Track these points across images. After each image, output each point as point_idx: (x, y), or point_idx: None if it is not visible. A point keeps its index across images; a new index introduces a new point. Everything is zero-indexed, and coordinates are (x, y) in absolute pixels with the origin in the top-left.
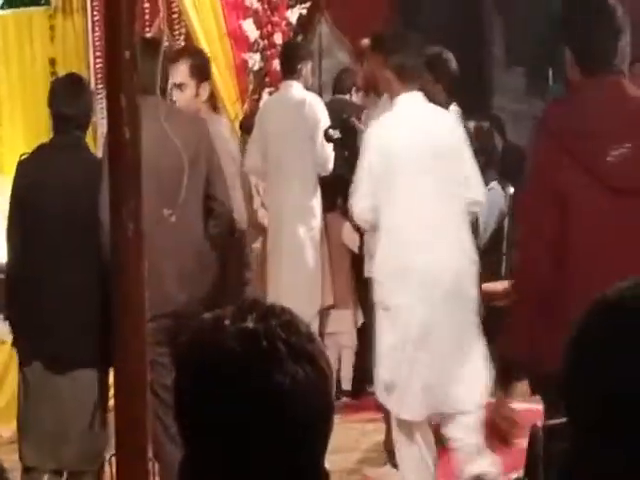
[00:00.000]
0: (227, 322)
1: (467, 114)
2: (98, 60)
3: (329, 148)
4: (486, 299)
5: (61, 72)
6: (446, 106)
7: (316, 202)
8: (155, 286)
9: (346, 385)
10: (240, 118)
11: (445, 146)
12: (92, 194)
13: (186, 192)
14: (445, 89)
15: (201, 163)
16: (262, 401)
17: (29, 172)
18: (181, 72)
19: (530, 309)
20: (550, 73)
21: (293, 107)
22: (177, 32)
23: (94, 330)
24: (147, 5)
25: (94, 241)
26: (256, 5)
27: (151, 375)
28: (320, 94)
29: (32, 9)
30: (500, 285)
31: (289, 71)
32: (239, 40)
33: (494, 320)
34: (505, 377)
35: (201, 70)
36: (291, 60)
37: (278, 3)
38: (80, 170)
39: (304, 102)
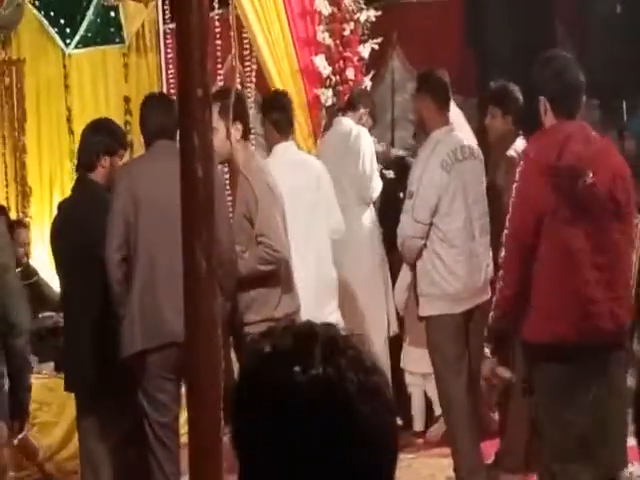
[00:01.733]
0: (297, 369)
1: None
2: (172, 97)
3: (373, 180)
4: None
5: (135, 110)
6: (513, 138)
7: (372, 228)
8: (154, 317)
9: (418, 426)
10: (313, 153)
11: (313, 184)
12: (91, 224)
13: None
14: (513, 121)
15: None
16: (332, 444)
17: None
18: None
19: (516, 291)
20: (624, 106)
21: (339, 139)
22: (249, 68)
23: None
24: (219, 42)
25: (98, 270)
26: (328, 41)
27: (150, 412)
28: (392, 129)
29: (106, 47)
30: None
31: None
32: (311, 76)
33: None
34: (498, 343)
35: (229, 111)
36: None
37: (350, 39)
38: (83, 205)
39: (350, 134)
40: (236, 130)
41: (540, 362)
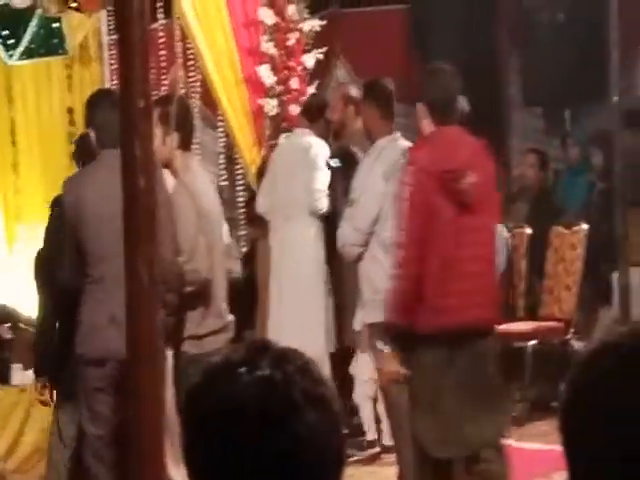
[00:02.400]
0: (242, 370)
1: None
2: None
3: (321, 192)
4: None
5: (78, 121)
6: None
7: (316, 241)
8: (99, 332)
9: (371, 436)
10: (257, 163)
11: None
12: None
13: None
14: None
15: None
16: (278, 451)
17: None
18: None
19: (408, 288)
20: (567, 115)
21: (299, 152)
22: (193, 78)
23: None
24: (164, 52)
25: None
26: (272, 51)
27: (87, 425)
28: None
29: (50, 59)
30: (515, 326)
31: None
32: (255, 85)
33: (512, 360)
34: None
35: (169, 118)
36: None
37: (294, 48)
38: None
39: (310, 149)
40: (170, 139)
41: (421, 350)
